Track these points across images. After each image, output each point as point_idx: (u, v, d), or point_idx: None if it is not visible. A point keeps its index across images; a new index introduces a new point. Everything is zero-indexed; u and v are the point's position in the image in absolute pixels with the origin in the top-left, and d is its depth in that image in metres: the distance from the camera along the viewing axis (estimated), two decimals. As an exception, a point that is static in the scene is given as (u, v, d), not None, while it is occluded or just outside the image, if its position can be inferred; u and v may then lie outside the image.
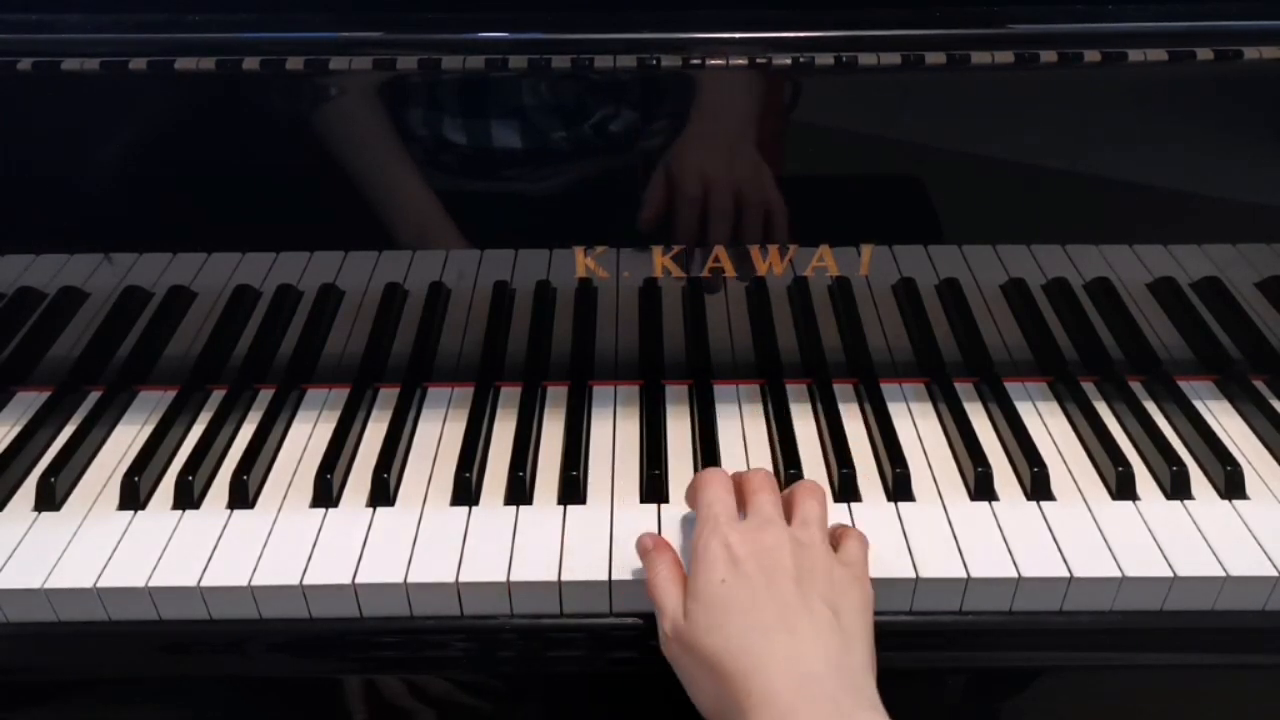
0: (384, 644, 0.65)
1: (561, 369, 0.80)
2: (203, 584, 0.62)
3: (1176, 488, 0.69)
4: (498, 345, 0.79)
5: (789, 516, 0.61)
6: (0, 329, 0.78)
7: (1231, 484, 0.69)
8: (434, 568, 0.63)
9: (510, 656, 0.65)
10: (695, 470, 0.72)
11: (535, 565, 0.64)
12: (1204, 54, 0.65)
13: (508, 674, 0.68)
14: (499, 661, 0.65)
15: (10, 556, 0.65)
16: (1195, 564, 0.63)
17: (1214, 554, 0.64)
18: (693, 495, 0.64)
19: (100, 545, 0.66)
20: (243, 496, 0.69)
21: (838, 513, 0.68)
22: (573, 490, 0.69)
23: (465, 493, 0.69)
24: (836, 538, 0.62)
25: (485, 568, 0.63)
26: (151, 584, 0.63)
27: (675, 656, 0.57)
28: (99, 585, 0.63)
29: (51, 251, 0.74)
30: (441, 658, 0.65)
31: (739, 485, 0.63)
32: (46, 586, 0.63)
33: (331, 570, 0.63)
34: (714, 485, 0.62)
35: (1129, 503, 0.69)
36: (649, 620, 0.58)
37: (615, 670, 0.66)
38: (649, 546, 0.61)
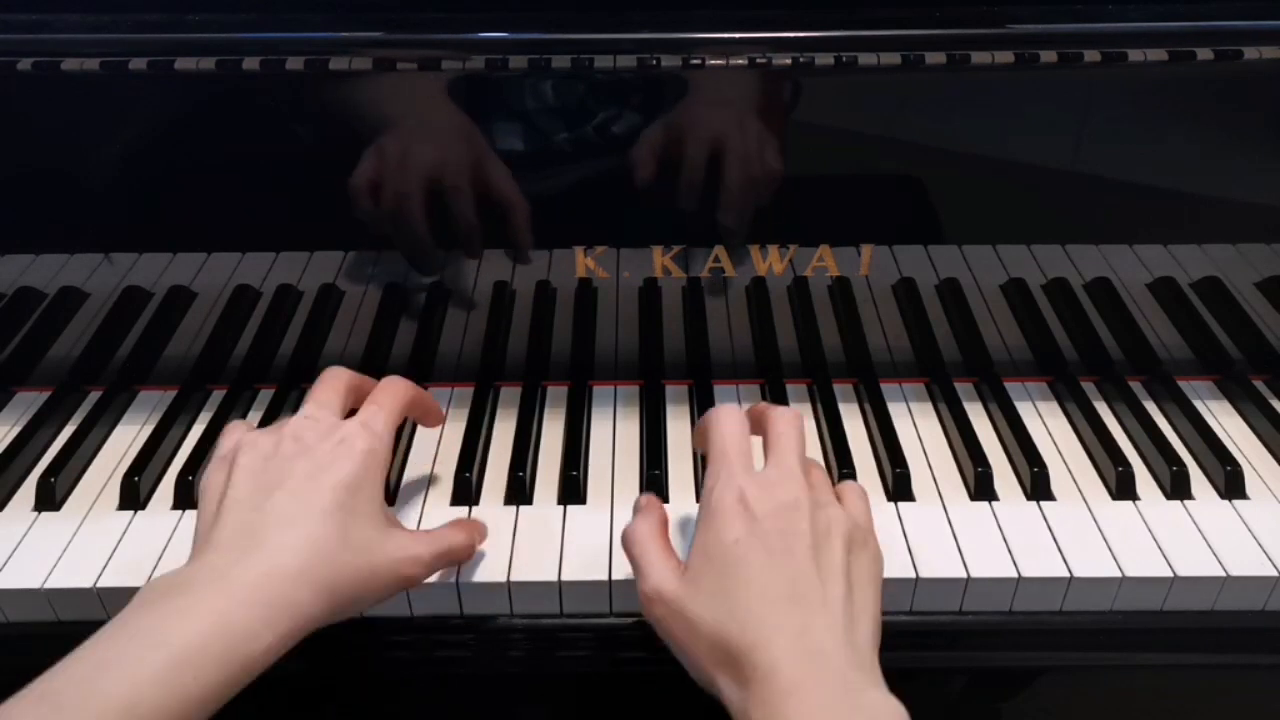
0: (391, 643, 0.65)
1: (561, 369, 0.80)
2: (203, 584, 0.62)
3: (1176, 488, 0.69)
4: (498, 345, 0.79)
5: None
6: (0, 329, 0.78)
7: (1231, 484, 0.69)
8: (434, 567, 0.63)
9: (518, 656, 0.65)
10: (696, 470, 0.72)
11: (535, 565, 0.63)
12: (1204, 54, 0.65)
13: (515, 673, 0.68)
14: (507, 661, 0.65)
15: (10, 556, 0.65)
16: (1195, 564, 0.63)
17: (1214, 554, 0.64)
18: (703, 435, 0.59)
19: (100, 545, 0.66)
20: (243, 496, 0.69)
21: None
22: (573, 490, 0.69)
23: (465, 492, 0.69)
24: (838, 494, 0.59)
25: (485, 567, 0.63)
26: (151, 584, 0.63)
27: (663, 619, 0.53)
28: (99, 585, 0.63)
29: (51, 251, 0.74)
30: (449, 657, 0.65)
31: (759, 420, 0.60)
32: (46, 586, 0.63)
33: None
34: (729, 423, 0.57)
35: (1129, 503, 0.69)
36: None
37: (624, 670, 0.66)
38: (642, 504, 0.59)
